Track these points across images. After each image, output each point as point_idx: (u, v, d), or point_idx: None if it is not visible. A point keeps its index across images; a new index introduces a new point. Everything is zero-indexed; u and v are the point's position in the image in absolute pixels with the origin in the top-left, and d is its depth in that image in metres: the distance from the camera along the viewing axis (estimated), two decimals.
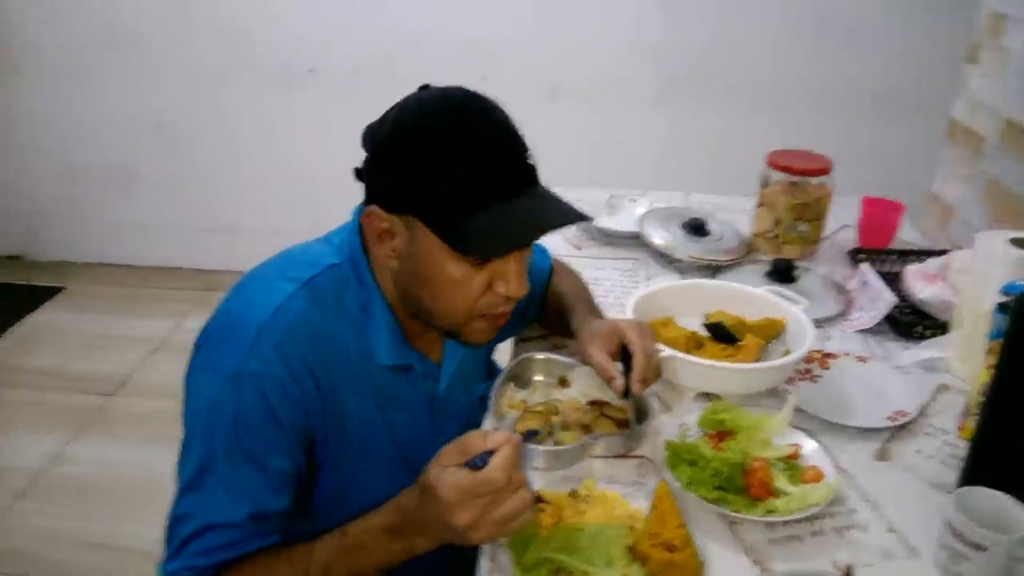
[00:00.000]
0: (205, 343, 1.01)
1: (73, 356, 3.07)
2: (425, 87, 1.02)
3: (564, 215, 0.99)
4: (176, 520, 0.97)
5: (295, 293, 1.00)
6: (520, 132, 1.00)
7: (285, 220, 3.44)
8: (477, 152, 0.94)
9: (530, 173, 1.00)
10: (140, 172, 3.49)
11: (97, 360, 3.03)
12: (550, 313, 1.42)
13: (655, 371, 1.21)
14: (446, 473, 0.88)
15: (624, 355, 1.20)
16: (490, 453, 0.88)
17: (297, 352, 0.97)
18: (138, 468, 2.47)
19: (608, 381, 1.18)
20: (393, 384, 1.10)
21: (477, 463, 0.87)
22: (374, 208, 0.99)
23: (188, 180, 3.49)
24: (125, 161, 3.47)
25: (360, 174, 1.02)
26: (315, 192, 3.40)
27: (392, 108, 1.00)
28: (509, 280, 1.01)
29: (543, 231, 0.97)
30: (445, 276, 0.98)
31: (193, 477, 0.96)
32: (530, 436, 0.98)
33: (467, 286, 0.99)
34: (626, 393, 1.17)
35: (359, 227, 1.06)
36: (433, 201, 0.94)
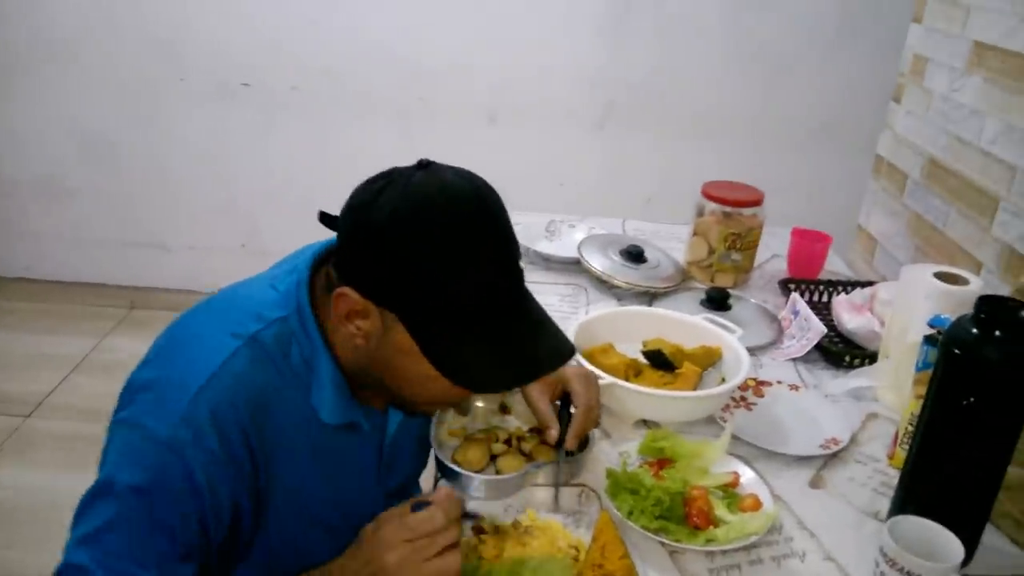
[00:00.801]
0: (136, 396, 0.92)
1: None
2: (426, 165, 0.92)
3: (553, 357, 0.95)
4: (67, 570, 0.86)
5: (238, 351, 0.92)
6: (515, 237, 0.93)
7: (215, 236, 3.37)
8: (482, 271, 0.89)
9: (521, 277, 0.95)
10: (66, 185, 3.36)
11: (14, 379, 2.89)
12: None
13: (594, 423, 1.20)
14: (391, 516, 0.90)
15: (564, 400, 1.20)
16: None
17: (234, 420, 0.90)
18: (55, 493, 2.34)
19: (545, 430, 1.18)
20: (338, 443, 1.03)
21: (416, 508, 0.90)
22: (349, 292, 0.90)
23: (117, 194, 3.37)
24: (51, 174, 3.34)
25: (329, 221, 0.95)
26: (248, 209, 3.34)
27: (391, 184, 0.90)
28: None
29: (533, 378, 0.97)
30: (414, 374, 0.93)
31: (98, 530, 0.87)
32: (470, 517, 0.98)
33: (435, 384, 0.93)
34: (559, 443, 1.17)
35: (309, 278, 0.99)
36: (424, 317, 0.89)
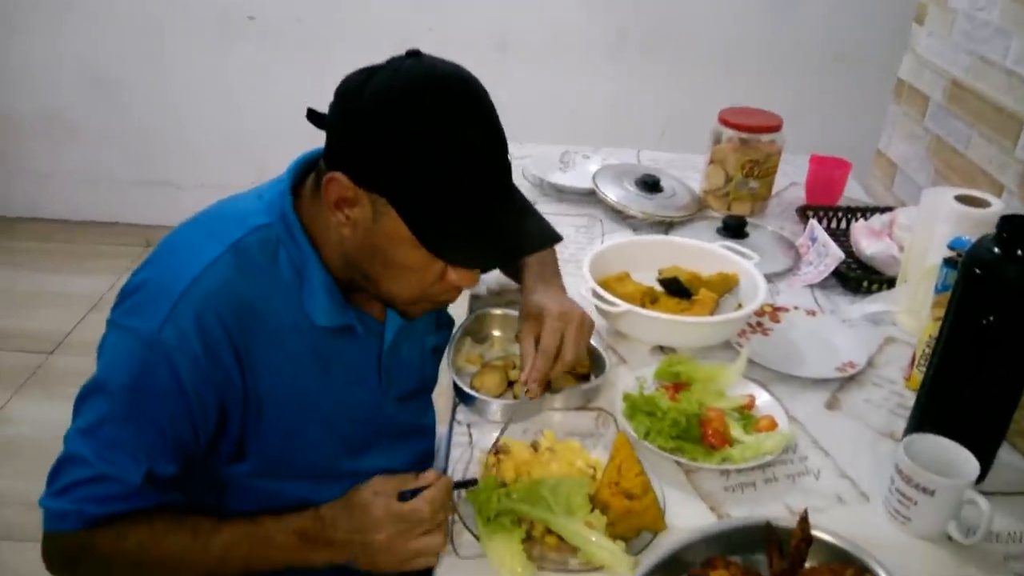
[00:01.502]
0: (126, 300, 0.96)
1: (8, 314, 2.96)
2: (415, 54, 0.93)
3: (540, 237, 0.98)
4: (69, 459, 0.95)
5: (220, 258, 0.95)
6: (501, 126, 0.95)
7: (225, 173, 3.33)
8: (471, 150, 0.90)
9: (507, 173, 0.97)
10: (74, 123, 3.35)
11: (35, 319, 2.94)
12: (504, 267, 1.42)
13: (565, 367, 1.17)
14: (379, 497, 0.93)
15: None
16: (421, 489, 0.94)
17: (218, 324, 0.93)
18: None
19: (520, 368, 1.18)
20: (334, 347, 1.05)
21: (407, 497, 0.93)
22: (339, 177, 0.91)
23: (125, 132, 3.36)
24: (58, 110, 3.33)
25: (316, 118, 0.96)
26: (256, 144, 3.32)
27: (378, 70, 0.91)
28: (464, 274, 0.98)
29: (520, 255, 0.98)
30: (403, 261, 0.95)
31: (93, 424, 0.94)
32: (465, 485, 0.99)
33: (423, 273, 0.96)
34: (513, 382, 1.20)
35: (290, 184, 1.01)
36: (414, 194, 0.90)
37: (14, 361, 2.70)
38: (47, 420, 2.45)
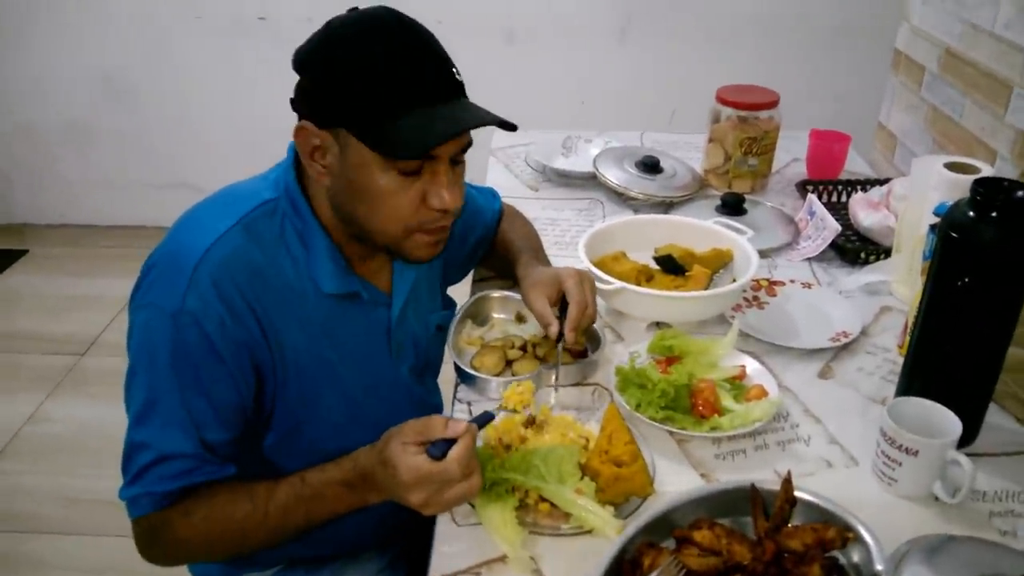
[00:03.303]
0: (144, 280, 1.02)
1: (42, 318, 3.07)
2: (353, 9, 1.03)
3: (486, 116, 1.00)
4: (132, 449, 1.00)
5: (230, 230, 1.01)
6: (446, 52, 1.01)
7: (243, 173, 3.39)
8: (402, 60, 0.96)
9: (457, 87, 1.01)
10: (93, 129, 3.44)
11: (66, 321, 3.03)
12: (497, 258, 1.46)
13: (590, 319, 1.24)
14: (406, 454, 0.92)
15: (564, 303, 1.24)
16: (449, 442, 0.92)
17: (235, 288, 0.99)
18: (111, 425, 2.47)
19: (545, 327, 1.22)
20: (342, 315, 1.11)
21: (435, 453, 0.92)
22: (304, 123, 1.00)
23: (142, 136, 3.44)
24: (78, 118, 3.41)
25: (294, 103, 1.03)
26: (271, 144, 3.35)
27: (320, 29, 1.02)
28: (441, 191, 1.01)
29: (465, 129, 0.99)
30: (377, 188, 0.99)
31: (142, 410, 0.99)
32: (486, 419, 1.01)
33: (400, 197, 1.00)
34: (559, 338, 1.21)
35: (294, 161, 1.08)
36: (359, 108, 0.96)
37: (48, 363, 2.80)
38: (80, 419, 2.56)
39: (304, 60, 1.01)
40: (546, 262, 1.39)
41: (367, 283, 1.14)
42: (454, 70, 1.01)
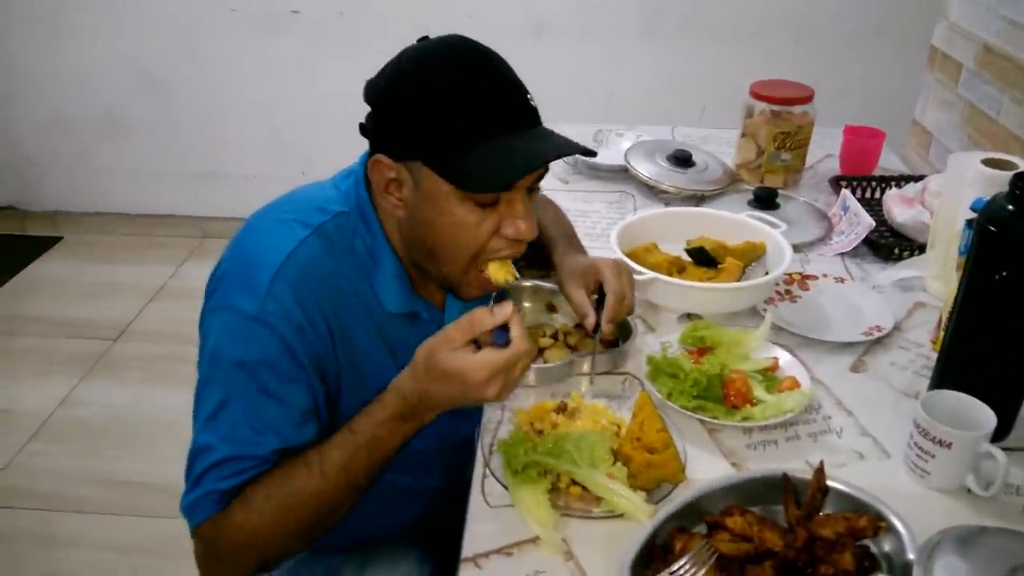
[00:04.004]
0: (220, 285, 1.01)
1: (75, 304, 3.12)
2: (424, 39, 1.02)
3: (567, 147, 0.99)
4: (196, 453, 0.97)
5: (307, 239, 1.01)
6: (519, 79, 1.00)
7: (274, 165, 3.46)
8: (476, 89, 0.95)
9: (532, 114, 0.99)
10: (127, 120, 3.49)
11: (99, 307, 3.08)
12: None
13: (627, 310, 1.24)
14: (468, 356, 0.91)
15: (600, 292, 1.24)
16: (502, 327, 0.92)
17: (312, 296, 0.99)
18: (142, 408, 2.54)
19: (582, 317, 1.22)
20: (401, 331, 1.11)
21: (501, 341, 0.92)
22: (380, 157, 0.99)
23: (176, 127, 3.49)
24: (112, 109, 3.47)
25: (364, 130, 1.03)
26: (303, 137, 3.42)
27: (391, 60, 1.00)
28: (517, 221, 1.00)
29: (546, 161, 0.98)
30: (452, 219, 0.98)
31: (213, 413, 0.96)
32: (503, 298, 1.00)
33: (476, 228, 0.99)
34: (596, 329, 1.21)
35: (365, 176, 1.06)
36: (434, 140, 0.95)
37: (81, 348, 2.84)
38: (112, 402, 2.60)
39: (376, 92, 1.00)
40: (580, 248, 1.39)
41: (427, 303, 1.14)
42: (528, 96, 0.99)
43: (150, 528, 2.12)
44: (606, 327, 1.20)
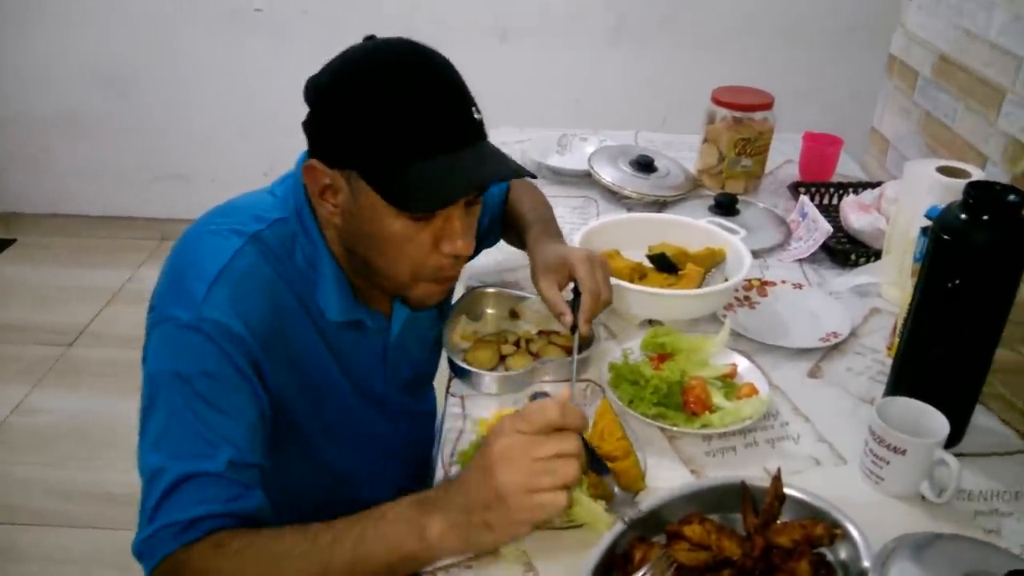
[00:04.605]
0: (159, 303, 0.97)
1: (30, 308, 3.05)
2: (370, 37, 0.99)
3: (506, 169, 0.97)
4: (149, 479, 0.88)
5: (243, 248, 0.97)
6: (466, 87, 0.97)
7: (238, 167, 3.41)
8: (417, 101, 0.92)
9: (475, 128, 0.97)
10: (86, 120, 3.42)
11: (54, 311, 3.02)
12: (508, 229, 1.43)
13: (604, 304, 1.22)
14: (505, 431, 0.84)
15: (576, 287, 1.22)
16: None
17: (250, 305, 0.95)
18: (99, 415, 2.50)
19: (557, 316, 1.20)
20: (346, 339, 1.09)
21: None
22: (313, 162, 0.97)
23: (136, 127, 3.43)
24: (70, 108, 3.40)
25: (306, 128, 1.00)
26: (267, 138, 3.37)
27: (334, 59, 0.98)
28: (454, 238, 0.98)
29: (483, 185, 0.95)
30: (388, 234, 0.96)
31: (161, 432, 0.90)
32: (538, 397, 0.98)
33: (411, 245, 0.97)
34: (573, 328, 1.19)
35: (300, 179, 1.04)
36: (370, 152, 0.92)
37: (34, 353, 2.79)
38: (66, 409, 2.55)
39: (315, 92, 0.97)
40: (557, 233, 1.35)
41: (371, 310, 1.11)
42: (474, 109, 0.96)
43: (109, 540, 2.08)
44: (583, 327, 1.18)
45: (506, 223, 1.42)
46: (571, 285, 1.23)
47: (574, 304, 1.20)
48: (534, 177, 1.02)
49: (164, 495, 0.86)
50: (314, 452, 1.12)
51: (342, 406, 1.14)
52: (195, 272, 0.95)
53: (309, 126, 0.99)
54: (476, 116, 0.97)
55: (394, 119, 0.91)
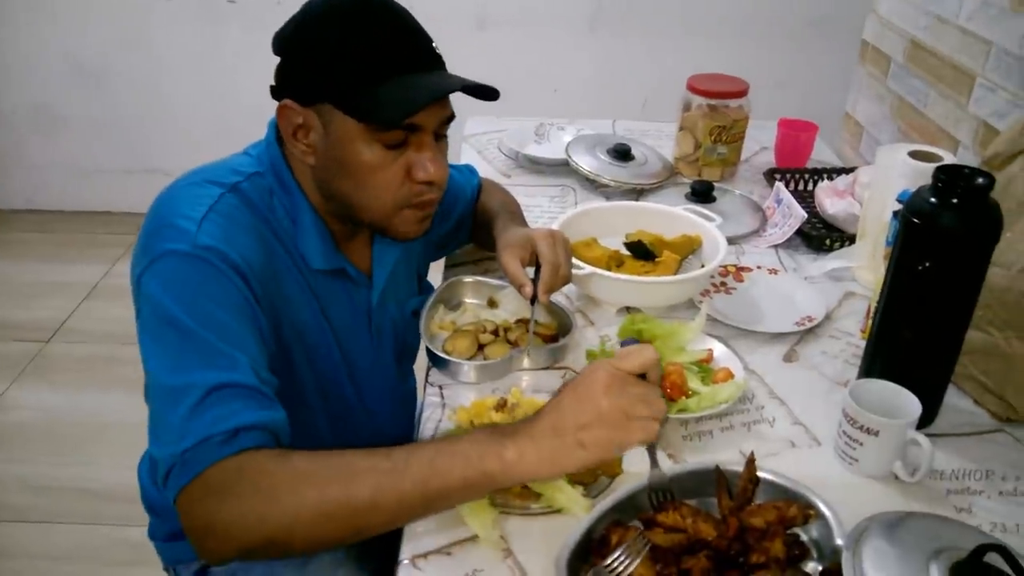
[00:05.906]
0: (146, 246, 0.94)
1: (6, 304, 3.02)
2: None
3: (470, 82, 1.01)
4: (169, 401, 0.85)
5: (225, 195, 1.00)
6: (423, 29, 1.03)
7: (215, 159, 3.39)
8: (380, 30, 0.98)
9: (437, 58, 1.02)
10: (62, 113, 3.38)
11: (31, 307, 2.99)
12: (477, 227, 1.46)
13: (563, 279, 1.26)
14: (605, 366, 0.88)
15: (538, 263, 1.26)
16: None
17: (242, 242, 0.97)
18: (77, 412, 2.48)
19: (518, 288, 1.24)
20: (329, 289, 1.12)
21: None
22: (287, 101, 1.01)
23: (112, 121, 3.40)
24: (45, 102, 3.36)
25: (274, 91, 1.04)
26: (243, 129, 3.32)
27: (298, 10, 1.03)
28: (426, 163, 1.02)
29: (447, 91, 1.00)
30: (362, 162, 1.00)
31: (177, 355, 0.87)
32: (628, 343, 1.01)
33: (385, 170, 1.01)
34: (533, 299, 1.24)
35: (276, 137, 1.08)
36: (339, 79, 0.97)
37: (12, 350, 2.76)
38: (45, 406, 2.53)
39: (283, 41, 1.02)
40: (523, 223, 1.40)
41: (350, 263, 1.15)
42: (434, 45, 1.02)
43: (87, 536, 2.07)
44: (543, 297, 1.22)
45: (476, 222, 1.46)
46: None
47: (536, 279, 1.25)
48: (496, 96, 1.03)
49: (196, 405, 0.84)
50: (307, 419, 1.13)
51: (331, 362, 1.16)
52: (181, 215, 0.96)
53: (279, 75, 1.03)
54: (437, 51, 1.03)
55: (360, 45, 0.97)
